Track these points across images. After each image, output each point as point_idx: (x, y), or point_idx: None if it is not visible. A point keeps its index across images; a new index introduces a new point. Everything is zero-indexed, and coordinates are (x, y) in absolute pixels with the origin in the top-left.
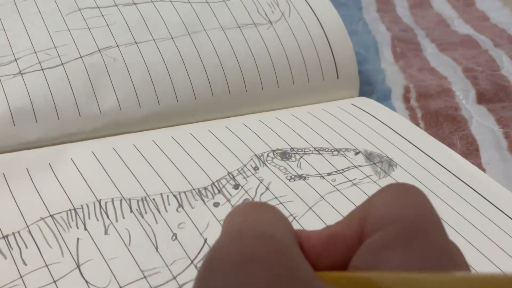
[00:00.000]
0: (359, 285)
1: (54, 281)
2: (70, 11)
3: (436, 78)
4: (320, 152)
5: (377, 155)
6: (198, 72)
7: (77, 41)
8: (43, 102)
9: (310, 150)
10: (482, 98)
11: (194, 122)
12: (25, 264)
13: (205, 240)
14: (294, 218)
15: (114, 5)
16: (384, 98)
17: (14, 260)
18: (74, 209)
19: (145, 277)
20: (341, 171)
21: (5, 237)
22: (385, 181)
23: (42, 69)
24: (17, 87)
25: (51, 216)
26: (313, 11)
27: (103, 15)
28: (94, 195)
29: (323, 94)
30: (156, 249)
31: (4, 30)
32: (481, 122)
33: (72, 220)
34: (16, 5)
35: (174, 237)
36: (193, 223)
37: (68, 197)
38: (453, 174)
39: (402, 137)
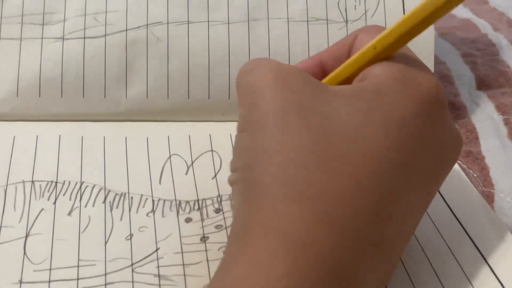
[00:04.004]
0: (349, 69)
1: None
2: None
3: (435, 63)
4: None
5: None
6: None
7: (129, 8)
8: (73, 77)
9: None
10: (482, 84)
11: (224, 121)
12: None
13: (157, 249)
14: None
15: None
16: None
17: None
18: (56, 182)
19: (78, 266)
20: None
21: None
22: None
23: (84, 37)
24: (54, 55)
25: (32, 181)
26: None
27: None
28: (81, 176)
29: None
30: (105, 243)
31: None
32: (480, 109)
33: (48, 191)
34: None
35: (129, 237)
36: (155, 230)
37: (57, 170)
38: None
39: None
